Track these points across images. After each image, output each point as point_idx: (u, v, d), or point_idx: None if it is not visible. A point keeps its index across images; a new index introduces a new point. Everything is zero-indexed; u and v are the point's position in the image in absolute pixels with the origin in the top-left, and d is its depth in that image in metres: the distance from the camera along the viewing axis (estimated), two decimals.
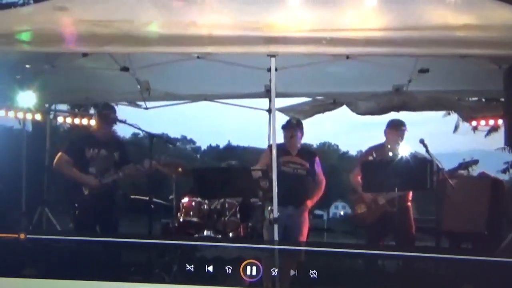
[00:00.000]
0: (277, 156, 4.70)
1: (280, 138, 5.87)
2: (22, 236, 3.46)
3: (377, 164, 5.94)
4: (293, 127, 5.88)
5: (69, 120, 7.80)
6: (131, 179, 6.08)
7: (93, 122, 6.54)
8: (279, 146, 5.37)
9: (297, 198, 5.73)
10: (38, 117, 7.22)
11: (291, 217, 5.58)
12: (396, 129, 6.03)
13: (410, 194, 5.94)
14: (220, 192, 5.50)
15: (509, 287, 3.28)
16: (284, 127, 5.89)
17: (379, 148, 6.11)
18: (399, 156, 5.56)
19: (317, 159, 6.05)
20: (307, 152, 6.08)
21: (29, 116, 7.07)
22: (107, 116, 5.90)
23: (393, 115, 6.47)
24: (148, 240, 3.87)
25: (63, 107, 8.42)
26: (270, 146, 5.95)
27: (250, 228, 5.72)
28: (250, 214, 5.79)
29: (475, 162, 6.30)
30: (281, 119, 6.32)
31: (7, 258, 3.50)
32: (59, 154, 5.85)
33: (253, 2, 4.76)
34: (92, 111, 10.35)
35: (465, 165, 6.24)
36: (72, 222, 5.87)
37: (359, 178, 5.78)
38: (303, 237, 5.80)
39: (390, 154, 5.85)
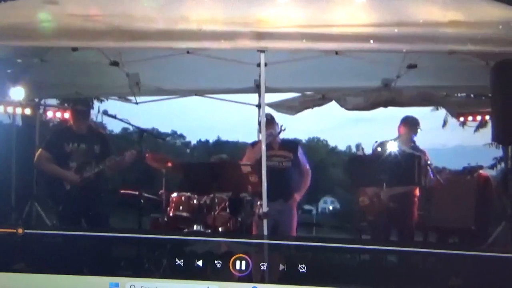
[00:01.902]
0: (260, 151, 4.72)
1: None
2: (20, 231, 3.45)
3: (366, 160, 5.99)
4: (270, 122, 5.85)
5: (58, 114, 7.76)
6: (113, 172, 6.05)
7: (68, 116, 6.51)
8: (258, 142, 5.43)
9: (285, 191, 5.75)
10: (27, 111, 7.19)
11: (280, 210, 5.60)
12: (410, 125, 6.08)
13: (411, 189, 5.96)
14: (209, 187, 5.52)
15: (496, 281, 3.32)
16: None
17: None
18: (391, 152, 5.60)
19: (300, 149, 6.07)
20: (289, 144, 6.09)
21: (18, 111, 7.04)
22: (81, 111, 5.87)
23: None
24: (137, 235, 3.87)
25: (53, 101, 8.37)
26: (252, 143, 5.98)
27: (239, 222, 5.74)
28: (239, 208, 5.82)
29: (480, 167, 6.35)
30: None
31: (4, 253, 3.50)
32: (39, 151, 5.84)
33: None
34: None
35: (470, 169, 6.30)
36: (56, 218, 5.87)
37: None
38: (293, 231, 5.83)
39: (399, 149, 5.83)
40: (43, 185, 7.24)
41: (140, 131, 5.67)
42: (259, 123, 5.88)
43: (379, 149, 6.07)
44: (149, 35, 4.45)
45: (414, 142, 5.93)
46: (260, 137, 5.83)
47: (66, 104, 8.13)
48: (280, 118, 6.32)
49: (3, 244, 3.47)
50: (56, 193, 5.83)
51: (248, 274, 3.37)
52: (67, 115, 7.56)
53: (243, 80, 6.62)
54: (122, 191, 6.16)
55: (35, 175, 7.27)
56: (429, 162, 5.79)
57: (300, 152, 6.01)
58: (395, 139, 6.07)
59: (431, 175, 5.86)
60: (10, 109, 6.96)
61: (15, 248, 3.49)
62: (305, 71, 6.29)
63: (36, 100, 7.51)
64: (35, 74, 6.18)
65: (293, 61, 5.63)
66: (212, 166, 5.95)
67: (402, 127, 6.11)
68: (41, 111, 7.71)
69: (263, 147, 4.72)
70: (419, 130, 6.05)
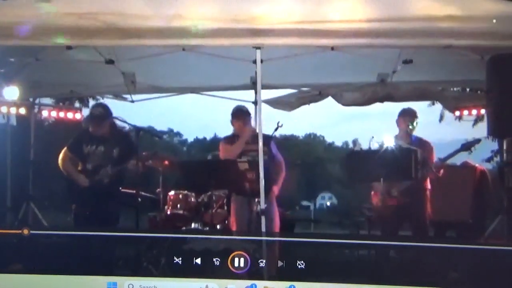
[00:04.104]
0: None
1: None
2: (25, 232, 3.43)
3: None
4: (244, 115, 5.80)
5: (54, 114, 7.73)
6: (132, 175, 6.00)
7: (78, 116, 6.49)
8: (232, 137, 5.56)
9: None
10: (22, 111, 7.14)
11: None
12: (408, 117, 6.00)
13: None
14: (207, 185, 5.51)
15: (492, 274, 3.33)
16: (236, 116, 5.79)
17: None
18: (387, 147, 5.59)
19: (272, 141, 5.84)
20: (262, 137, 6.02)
21: (13, 111, 7.00)
22: (100, 115, 5.84)
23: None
24: (135, 234, 3.86)
25: (48, 100, 8.34)
26: (225, 137, 5.92)
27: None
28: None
29: (478, 141, 6.24)
30: (267, 111, 6.30)
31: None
32: (64, 150, 5.80)
33: None
34: (77, 104, 10.33)
35: (468, 145, 6.20)
36: (69, 217, 5.84)
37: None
38: (275, 226, 5.64)
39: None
40: (40, 186, 7.21)
41: (136, 130, 5.63)
42: (235, 117, 5.82)
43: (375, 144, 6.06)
44: (145, 32, 4.45)
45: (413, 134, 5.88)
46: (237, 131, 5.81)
47: (61, 104, 8.11)
48: (277, 114, 6.31)
49: (3, 245, 3.46)
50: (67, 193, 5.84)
51: (247, 271, 3.37)
52: (62, 114, 7.57)
53: (239, 77, 6.61)
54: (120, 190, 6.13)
55: (31, 176, 7.25)
56: (416, 155, 5.74)
57: (272, 144, 5.81)
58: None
59: (430, 169, 5.83)
60: (4, 110, 6.93)
61: (14, 249, 3.48)
62: (301, 67, 6.28)
63: (31, 99, 7.48)
64: (30, 73, 6.16)
65: (289, 58, 5.61)
66: (209, 164, 5.94)
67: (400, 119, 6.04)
68: (36, 110, 7.67)
69: (260, 143, 4.71)
70: (416, 121, 5.98)
